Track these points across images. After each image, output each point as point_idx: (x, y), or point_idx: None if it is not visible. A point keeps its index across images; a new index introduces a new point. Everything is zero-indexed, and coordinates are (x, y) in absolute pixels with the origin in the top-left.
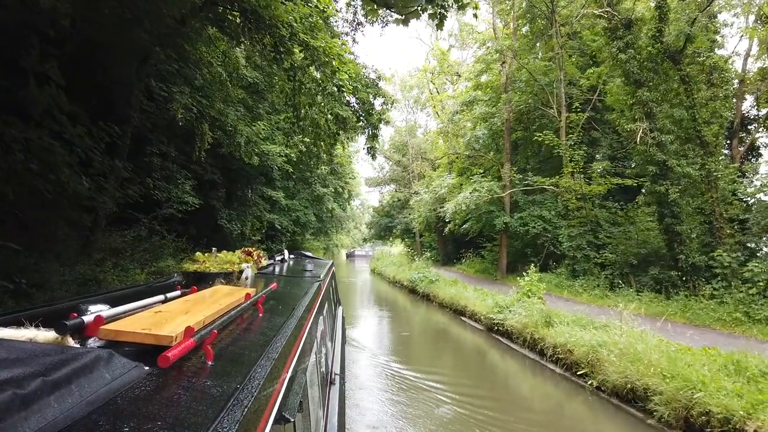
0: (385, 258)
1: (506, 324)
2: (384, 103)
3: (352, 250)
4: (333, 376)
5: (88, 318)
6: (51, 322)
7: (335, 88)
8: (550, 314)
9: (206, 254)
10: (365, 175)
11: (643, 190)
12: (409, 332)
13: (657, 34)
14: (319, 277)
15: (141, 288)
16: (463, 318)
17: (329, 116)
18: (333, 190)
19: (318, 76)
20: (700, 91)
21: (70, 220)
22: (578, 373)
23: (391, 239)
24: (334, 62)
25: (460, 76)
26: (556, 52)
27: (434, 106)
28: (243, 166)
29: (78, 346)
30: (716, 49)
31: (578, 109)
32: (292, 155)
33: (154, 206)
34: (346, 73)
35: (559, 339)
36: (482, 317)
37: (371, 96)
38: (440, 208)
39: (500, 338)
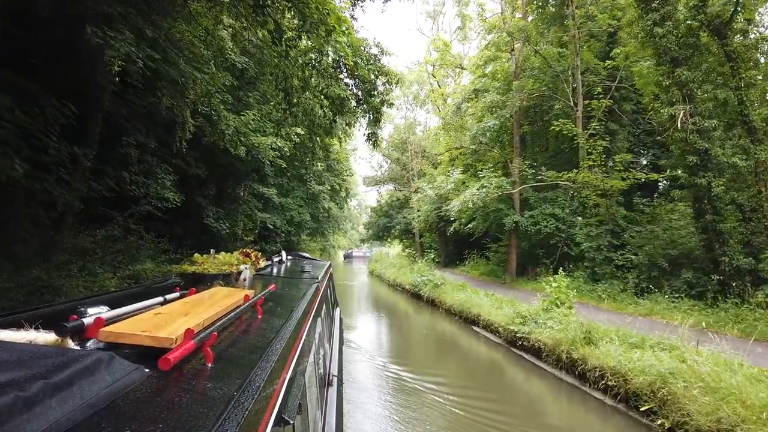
0: (384, 259)
1: (532, 338)
2: (387, 82)
3: (349, 251)
4: (331, 378)
5: (88, 320)
6: (50, 324)
7: (330, 61)
8: (591, 329)
9: (204, 256)
10: (363, 174)
11: (662, 183)
12: (414, 342)
13: (699, 4)
14: (317, 278)
15: (140, 289)
16: (475, 328)
17: (324, 101)
18: (329, 188)
19: (311, 49)
20: (748, 70)
21: (32, 218)
22: (641, 408)
23: (389, 240)
24: (329, 19)
25: (463, 68)
26: (572, 35)
27: (435, 100)
28: (232, 161)
29: (78, 348)
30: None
31: (600, 95)
32: (285, 149)
33: (130, 203)
34: (343, 33)
35: (608, 361)
36: (500, 328)
37: (372, 74)
38: (445, 206)
39: (524, 354)
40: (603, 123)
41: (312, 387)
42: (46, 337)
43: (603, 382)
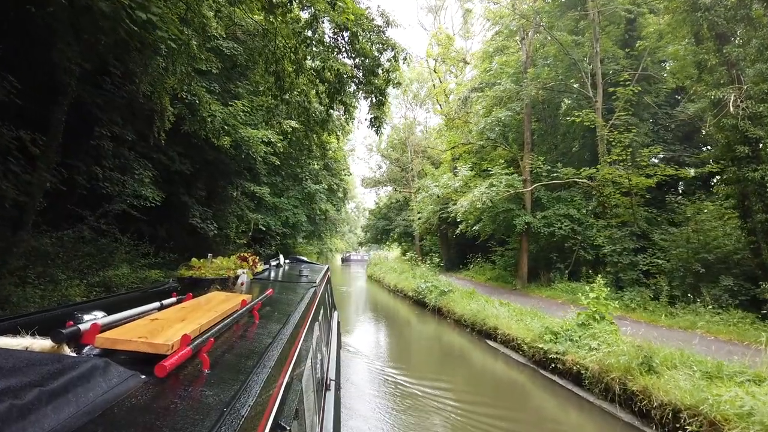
0: (383, 263)
1: (568, 360)
2: (394, 57)
3: (347, 254)
4: (328, 382)
5: (84, 326)
6: (46, 330)
7: (326, 39)
8: (652, 352)
9: (202, 260)
10: (361, 174)
11: (684, 182)
12: (422, 357)
13: None
14: (315, 282)
15: (136, 294)
16: (490, 342)
17: (320, 86)
18: (326, 188)
19: (305, 23)
20: None
21: None
22: None
23: (388, 243)
24: None
25: (467, 63)
26: (590, 19)
27: (437, 95)
28: (221, 158)
29: (74, 354)
30: None
31: (628, 82)
32: (279, 145)
33: (103, 201)
34: None
35: (683, 398)
36: (524, 345)
37: (376, 49)
38: (452, 205)
39: (557, 379)
40: (629, 113)
41: (309, 392)
42: (42, 343)
43: (676, 423)
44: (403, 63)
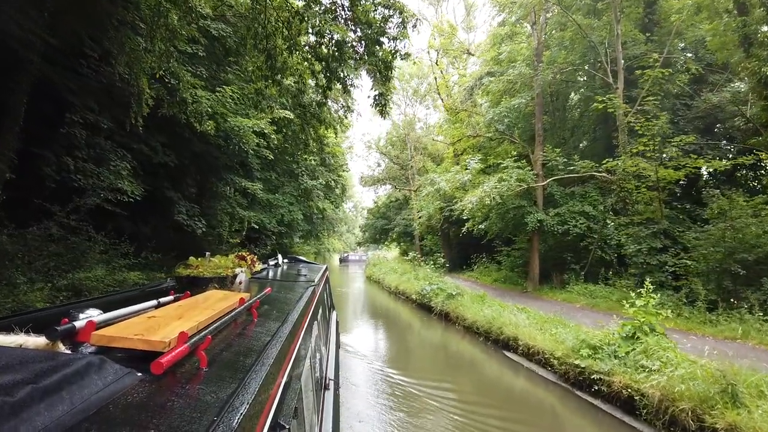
0: (382, 264)
1: (616, 382)
2: (402, 23)
3: (345, 254)
4: (327, 381)
5: (79, 323)
6: (41, 328)
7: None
8: (736, 378)
9: (200, 259)
10: (359, 172)
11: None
12: (431, 371)
13: None
14: (313, 281)
15: (134, 293)
16: (508, 354)
17: (316, 65)
18: (323, 184)
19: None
20: None
21: None
22: None
23: (387, 243)
24: None
25: (471, 54)
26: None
27: (438, 88)
28: (209, 149)
29: (69, 352)
30: None
31: (656, 63)
32: (272, 137)
33: (75, 195)
34: None
35: None
36: (554, 360)
37: (380, 15)
38: (459, 202)
39: (599, 404)
40: (657, 98)
41: (308, 391)
42: (36, 341)
43: None
44: (413, 30)
